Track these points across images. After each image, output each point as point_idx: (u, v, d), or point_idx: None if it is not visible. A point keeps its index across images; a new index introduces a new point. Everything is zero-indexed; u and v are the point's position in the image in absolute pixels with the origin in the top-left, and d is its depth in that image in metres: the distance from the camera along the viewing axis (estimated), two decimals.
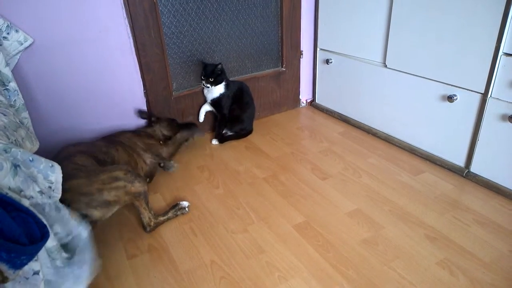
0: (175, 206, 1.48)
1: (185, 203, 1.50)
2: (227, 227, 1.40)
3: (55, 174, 0.85)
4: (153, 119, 1.84)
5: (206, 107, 2.06)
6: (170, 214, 1.44)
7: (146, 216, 1.36)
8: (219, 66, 1.85)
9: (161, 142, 1.76)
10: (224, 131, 2.05)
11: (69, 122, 1.72)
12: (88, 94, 1.72)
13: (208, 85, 1.89)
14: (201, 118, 2.07)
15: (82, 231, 1.05)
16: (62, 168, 1.16)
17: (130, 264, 1.25)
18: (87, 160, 1.31)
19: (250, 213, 1.47)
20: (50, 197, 0.87)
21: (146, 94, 1.88)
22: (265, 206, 1.50)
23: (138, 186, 1.29)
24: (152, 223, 1.38)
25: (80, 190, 1.16)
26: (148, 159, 1.63)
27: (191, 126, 1.93)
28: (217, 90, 1.92)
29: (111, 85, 1.76)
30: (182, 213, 1.47)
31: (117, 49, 1.71)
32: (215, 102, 1.96)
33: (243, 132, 2.07)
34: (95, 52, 1.66)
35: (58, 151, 1.38)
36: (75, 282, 0.97)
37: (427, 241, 1.28)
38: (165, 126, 1.84)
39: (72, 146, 1.41)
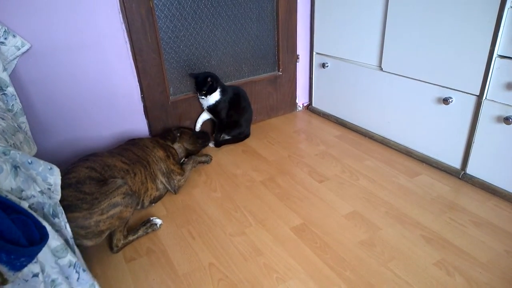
0: (146, 222, 1.42)
1: (158, 220, 1.44)
2: (225, 230, 1.40)
3: (54, 176, 0.85)
4: (177, 133, 1.76)
5: (204, 116, 2.07)
6: (140, 232, 1.39)
7: (118, 236, 1.31)
8: (208, 79, 1.86)
9: (184, 159, 1.73)
10: (221, 135, 2.06)
11: (67, 127, 1.72)
12: (85, 99, 1.72)
13: (203, 97, 1.91)
14: (197, 127, 2.08)
15: (73, 246, 1.04)
16: (66, 197, 1.15)
17: (128, 267, 1.25)
18: (95, 186, 1.23)
19: (248, 215, 1.47)
20: (50, 198, 0.87)
21: (143, 98, 1.88)
22: (263, 209, 1.50)
23: (129, 211, 1.28)
24: (120, 244, 1.32)
25: (79, 223, 1.15)
26: (162, 184, 1.57)
27: (205, 135, 1.94)
28: (213, 98, 1.93)
29: (108, 90, 1.77)
30: (153, 230, 1.41)
31: (114, 54, 1.72)
32: (211, 109, 1.97)
33: (241, 136, 2.08)
34: (92, 57, 1.67)
35: (69, 168, 1.29)
36: (80, 283, 0.97)
37: (424, 242, 1.29)
38: (188, 140, 1.80)
39: (84, 168, 1.29)
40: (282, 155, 1.92)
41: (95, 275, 1.17)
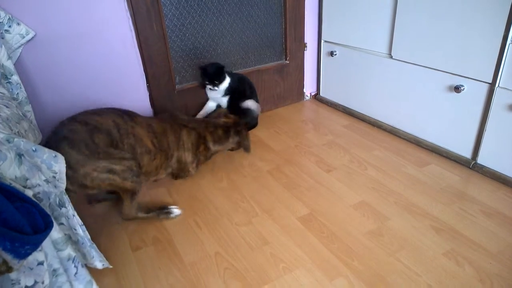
0: (163, 208, 1.42)
1: (176, 211, 1.42)
2: (232, 220, 1.39)
3: (59, 164, 0.85)
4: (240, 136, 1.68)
5: (211, 105, 2.03)
6: (151, 214, 1.38)
7: (125, 203, 1.30)
8: (224, 68, 1.83)
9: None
10: None
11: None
12: (90, 88, 1.71)
13: (216, 88, 1.87)
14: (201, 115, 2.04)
15: (85, 232, 1.05)
16: (76, 130, 1.15)
17: (135, 256, 1.25)
18: (104, 142, 1.20)
19: (254, 205, 1.46)
20: (55, 187, 0.87)
21: (149, 87, 1.87)
22: (269, 199, 1.49)
23: (128, 184, 1.26)
24: (130, 216, 1.33)
25: (70, 162, 1.10)
26: (170, 168, 1.53)
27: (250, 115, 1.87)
28: (223, 86, 1.90)
29: (113, 79, 1.75)
30: (166, 217, 1.40)
31: (119, 42, 1.70)
32: (226, 91, 1.93)
33: (249, 126, 2.06)
34: (97, 45, 1.65)
35: (98, 111, 1.28)
36: (77, 278, 0.97)
37: (433, 232, 1.27)
38: (244, 139, 1.70)
39: (111, 121, 1.26)
40: (289, 145, 1.90)
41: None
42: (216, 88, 1.88)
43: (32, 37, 1.47)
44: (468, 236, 1.24)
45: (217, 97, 1.95)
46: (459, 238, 1.24)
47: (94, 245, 1.09)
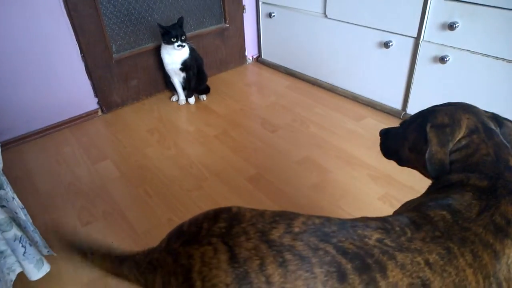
0: None
1: None
2: (182, 186, 1.42)
3: None
4: None
5: (178, 80, 1.94)
6: None
7: None
8: (182, 20, 1.76)
9: None
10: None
11: (4, 94, 1.60)
12: (18, 61, 1.59)
13: (184, 44, 1.77)
14: (183, 97, 1.99)
15: (26, 216, 1.02)
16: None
17: (85, 231, 1.25)
18: None
19: (203, 170, 1.49)
20: None
21: (84, 58, 1.77)
22: (218, 162, 1.53)
23: None
24: None
25: None
26: None
27: None
28: (186, 49, 1.83)
29: (43, 51, 1.64)
30: None
31: (45, 10, 1.58)
32: (186, 63, 1.85)
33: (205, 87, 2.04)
34: (19, 14, 1.53)
35: None
36: (27, 258, 0.95)
37: (370, 180, 1.38)
38: None
39: None
40: (234, 108, 1.92)
41: (48, 241, 1.16)
42: (184, 44, 1.77)
43: None
44: (401, 180, 1.37)
45: (177, 65, 1.84)
46: (393, 183, 1.36)
47: (37, 230, 1.06)
